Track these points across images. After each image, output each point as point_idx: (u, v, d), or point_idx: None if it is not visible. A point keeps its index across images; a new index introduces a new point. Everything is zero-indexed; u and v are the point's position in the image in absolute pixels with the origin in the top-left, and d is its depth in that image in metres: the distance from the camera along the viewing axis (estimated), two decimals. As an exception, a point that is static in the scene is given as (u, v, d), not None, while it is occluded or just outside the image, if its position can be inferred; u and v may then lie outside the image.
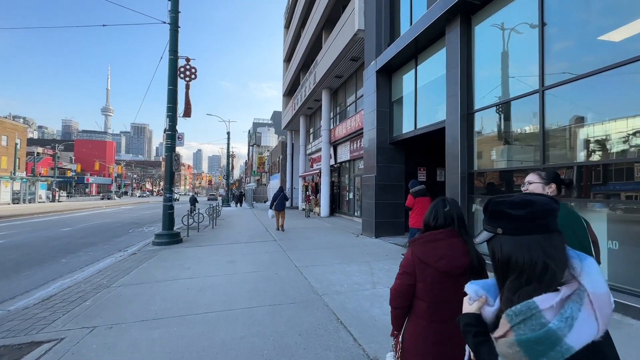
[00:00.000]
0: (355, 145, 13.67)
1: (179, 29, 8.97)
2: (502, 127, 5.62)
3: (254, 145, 52.69)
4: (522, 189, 1.82)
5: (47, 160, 56.77)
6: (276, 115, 58.50)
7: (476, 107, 6.06)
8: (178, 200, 48.89)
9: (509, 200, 0.81)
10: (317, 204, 18.19)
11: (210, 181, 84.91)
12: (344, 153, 15.02)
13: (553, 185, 1.72)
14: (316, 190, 20.26)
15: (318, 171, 17.45)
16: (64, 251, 7.85)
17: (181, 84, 9.31)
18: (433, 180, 10.09)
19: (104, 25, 8.79)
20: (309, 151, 21.52)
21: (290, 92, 26.45)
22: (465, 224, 1.48)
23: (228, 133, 29.78)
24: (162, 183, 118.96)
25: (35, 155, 56.08)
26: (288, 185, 26.67)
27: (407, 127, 8.74)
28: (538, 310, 0.66)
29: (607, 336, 0.68)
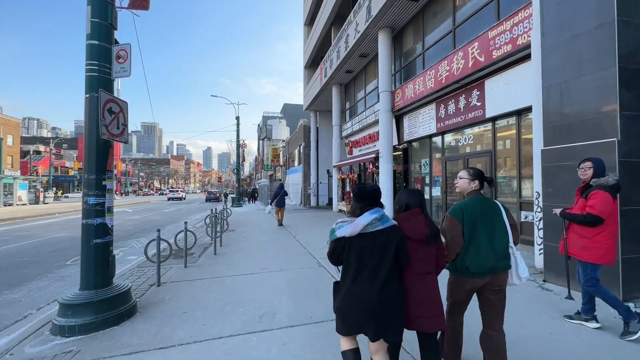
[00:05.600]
0: (451, 107, 8.16)
1: None
2: None
3: (265, 139, 47.32)
4: (455, 181, 2.45)
5: (49, 158, 52.71)
6: (287, 108, 53.08)
7: None
8: (184, 199, 43.12)
9: (362, 186, 2.02)
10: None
11: (220, 178, 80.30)
12: (424, 124, 9.50)
13: (476, 181, 2.28)
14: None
15: (369, 157, 11.98)
16: None
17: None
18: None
19: None
20: (346, 132, 16.01)
21: (313, 62, 21.01)
22: (425, 205, 2.14)
23: (237, 118, 24.55)
24: (170, 181, 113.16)
25: (31, 153, 52.42)
26: (313, 179, 21.28)
27: None
28: (337, 222, 1.94)
29: (355, 237, 1.86)
